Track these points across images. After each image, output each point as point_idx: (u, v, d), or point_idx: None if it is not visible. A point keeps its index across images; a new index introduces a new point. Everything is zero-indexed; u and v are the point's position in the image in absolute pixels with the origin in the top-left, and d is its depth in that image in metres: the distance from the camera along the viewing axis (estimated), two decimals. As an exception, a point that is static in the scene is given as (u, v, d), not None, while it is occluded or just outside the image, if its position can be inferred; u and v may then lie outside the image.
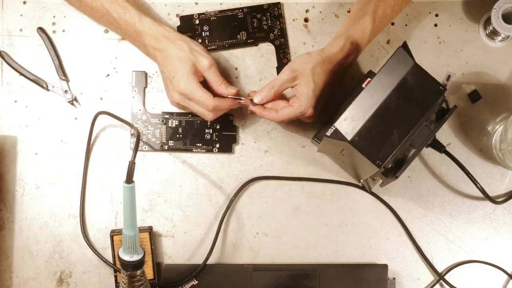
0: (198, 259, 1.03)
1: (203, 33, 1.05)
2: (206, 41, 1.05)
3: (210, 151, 1.04)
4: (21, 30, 1.06)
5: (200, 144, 1.04)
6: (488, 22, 1.03)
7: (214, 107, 0.96)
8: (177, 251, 1.04)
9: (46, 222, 1.04)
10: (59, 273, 1.03)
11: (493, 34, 1.04)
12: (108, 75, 1.05)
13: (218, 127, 1.05)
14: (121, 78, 1.05)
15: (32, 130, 1.05)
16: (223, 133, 1.05)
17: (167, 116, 1.05)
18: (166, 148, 1.04)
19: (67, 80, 1.05)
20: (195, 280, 1.01)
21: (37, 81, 1.04)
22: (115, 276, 1.01)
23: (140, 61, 1.05)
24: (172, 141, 1.04)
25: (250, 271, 1.01)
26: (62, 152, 1.04)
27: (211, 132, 1.04)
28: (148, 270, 1.00)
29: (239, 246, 1.04)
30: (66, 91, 1.04)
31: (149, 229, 1.01)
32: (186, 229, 1.04)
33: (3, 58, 1.04)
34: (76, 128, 1.04)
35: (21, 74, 1.04)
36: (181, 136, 1.04)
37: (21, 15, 1.06)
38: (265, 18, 1.06)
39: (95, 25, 1.05)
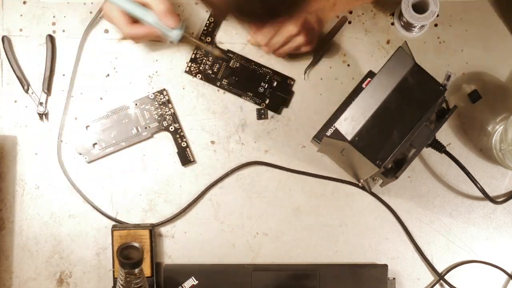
0: (198, 259, 1.03)
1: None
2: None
3: (257, 103, 1.04)
4: (21, 30, 1.06)
5: (251, 94, 1.04)
6: (401, 14, 1.02)
7: (127, 34, 0.98)
8: (177, 251, 1.03)
9: (46, 222, 1.04)
10: (59, 273, 1.03)
11: (408, 25, 1.03)
12: (108, 75, 1.05)
13: (275, 84, 1.05)
14: (121, 78, 1.05)
15: (32, 130, 1.05)
16: (277, 92, 1.04)
17: (231, 55, 1.05)
18: (218, 85, 1.04)
19: (48, 94, 1.04)
20: (195, 280, 1.01)
21: (21, 80, 1.04)
22: (113, 272, 1.01)
23: (140, 61, 1.05)
24: (226, 80, 1.04)
25: (250, 271, 1.01)
26: (62, 152, 1.04)
27: (266, 86, 1.04)
28: (147, 268, 1.00)
29: (239, 246, 1.04)
30: (41, 103, 1.03)
31: (151, 227, 1.01)
32: (186, 229, 1.04)
33: (3, 43, 1.04)
34: (76, 128, 1.04)
35: (11, 66, 1.04)
36: (236, 79, 1.04)
37: (21, 15, 1.06)
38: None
39: (95, 25, 1.05)
